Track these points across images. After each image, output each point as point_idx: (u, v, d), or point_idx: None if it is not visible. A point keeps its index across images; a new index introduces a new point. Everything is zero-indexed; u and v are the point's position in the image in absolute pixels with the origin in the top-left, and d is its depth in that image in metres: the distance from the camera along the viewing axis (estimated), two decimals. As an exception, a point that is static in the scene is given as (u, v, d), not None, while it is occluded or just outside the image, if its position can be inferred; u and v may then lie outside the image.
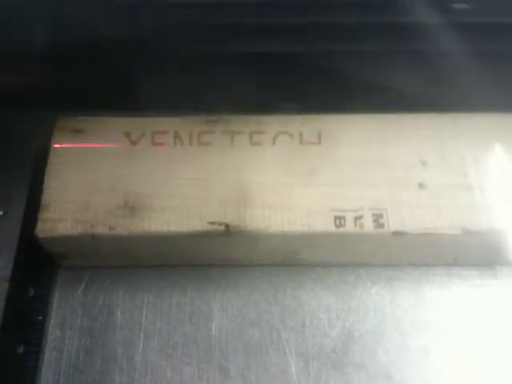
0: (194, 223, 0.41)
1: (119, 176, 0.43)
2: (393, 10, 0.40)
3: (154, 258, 0.45)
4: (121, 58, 0.46)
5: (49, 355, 0.43)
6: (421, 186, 0.42)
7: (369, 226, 0.41)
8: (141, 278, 0.45)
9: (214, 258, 0.45)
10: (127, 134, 0.45)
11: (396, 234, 0.41)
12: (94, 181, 0.43)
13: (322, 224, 0.41)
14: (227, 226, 0.41)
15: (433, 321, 0.44)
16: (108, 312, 0.44)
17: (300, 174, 0.43)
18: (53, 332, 0.44)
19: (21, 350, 0.42)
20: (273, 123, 0.45)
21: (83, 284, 0.45)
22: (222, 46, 0.45)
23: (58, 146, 0.44)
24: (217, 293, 0.45)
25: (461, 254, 0.44)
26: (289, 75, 0.47)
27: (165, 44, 0.45)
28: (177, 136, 0.45)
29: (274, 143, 0.44)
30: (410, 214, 0.41)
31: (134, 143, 0.44)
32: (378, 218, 0.41)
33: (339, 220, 0.41)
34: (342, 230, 0.41)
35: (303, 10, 0.41)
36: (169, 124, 0.45)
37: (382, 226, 0.41)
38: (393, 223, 0.41)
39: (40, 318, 0.44)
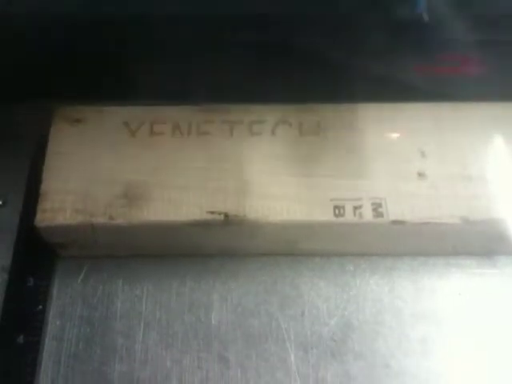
0: (194, 213, 0.41)
1: (118, 166, 0.43)
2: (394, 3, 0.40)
3: (153, 248, 0.45)
4: (120, 46, 0.45)
5: (49, 345, 0.43)
6: (420, 175, 0.42)
7: (368, 215, 0.41)
8: (140, 268, 0.45)
9: (213, 247, 0.45)
10: (126, 124, 0.45)
11: (395, 223, 0.41)
12: (93, 170, 0.43)
13: (321, 213, 0.41)
14: (226, 215, 0.41)
15: (431, 310, 0.44)
16: (108, 302, 0.44)
17: (299, 164, 0.43)
18: (52, 322, 0.44)
19: (21, 339, 0.43)
20: (272, 113, 0.45)
21: (83, 274, 0.45)
22: (221, 35, 0.44)
23: (57, 135, 0.44)
24: (216, 283, 0.45)
25: (460, 243, 0.44)
26: (289, 66, 0.46)
27: (164, 32, 0.44)
28: (176, 126, 0.45)
29: (273, 133, 0.44)
30: (409, 204, 0.41)
31: (133, 133, 0.44)
32: (377, 208, 0.41)
33: (338, 209, 0.41)
34: (341, 219, 0.41)
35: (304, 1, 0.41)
36: (168, 114, 0.45)
37: (381, 215, 0.41)
38: (392, 213, 0.41)
39: (40, 307, 0.44)
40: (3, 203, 0.43)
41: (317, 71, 0.47)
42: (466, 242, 0.44)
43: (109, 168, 0.43)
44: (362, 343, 0.43)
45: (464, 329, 0.43)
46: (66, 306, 0.44)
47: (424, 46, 0.44)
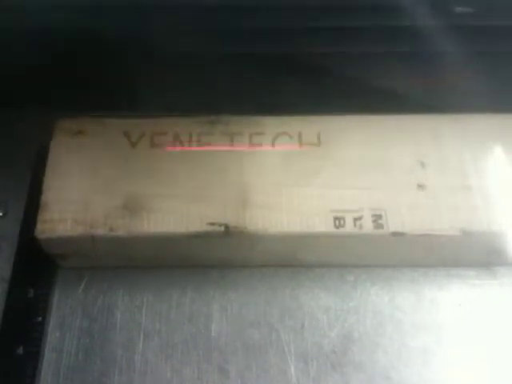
0: (194, 224, 0.41)
1: (119, 177, 0.43)
2: (394, 12, 0.40)
3: (153, 259, 0.45)
4: (121, 57, 0.46)
5: (48, 356, 0.43)
6: (420, 187, 0.42)
7: (368, 226, 0.41)
8: (140, 279, 0.45)
9: (213, 258, 0.45)
10: (127, 135, 0.45)
11: (395, 234, 0.41)
12: (93, 182, 0.43)
13: (322, 225, 0.41)
14: (227, 226, 0.41)
15: (432, 321, 0.44)
16: (107, 312, 0.44)
17: (299, 175, 0.43)
18: (52, 332, 0.44)
19: (20, 350, 0.42)
20: (272, 124, 0.45)
21: (83, 284, 0.45)
22: (221, 46, 0.45)
23: (57, 146, 0.44)
24: (216, 293, 0.45)
25: (460, 254, 0.44)
26: (289, 76, 0.47)
27: (164, 44, 0.45)
28: (176, 137, 0.45)
29: (273, 144, 0.44)
30: (409, 215, 0.41)
31: (133, 144, 0.44)
32: (377, 219, 0.41)
33: (339, 221, 0.41)
34: (341, 230, 0.41)
35: (303, 12, 0.41)
36: (168, 125, 0.45)
37: (381, 226, 0.41)
38: (392, 224, 0.41)
39: (40, 318, 0.44)
40: (4, 214, 0.43)
41: (316, 82, 0.47)
42: (466, 253, 0.44)
43: (109, 179, 0.43)
44: (363, 355, 0.43)
45: (464, 339, 0.43)
46: (65, 316, 0.44)
47: (422, 58, 0.45)
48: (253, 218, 0.41)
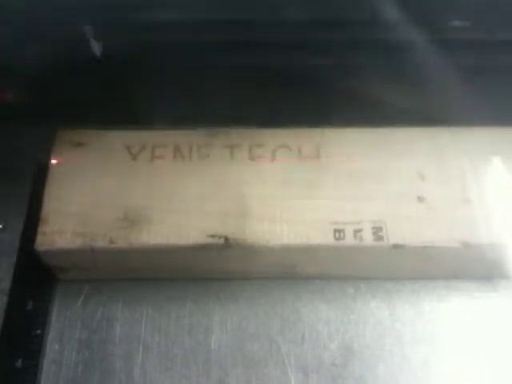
0: (194, 236, 0.41)
1: (119, 189, 0.43)
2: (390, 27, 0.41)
3: (153, 272, 0.45)
4: (121, 71, 0.46)
5: (47, 368, 0.43)
6: (420, 199, 0.43)
7: (368, 238, 0.41)
8: (140, 292, 0.45)
9: (213, 271, 0.45)
10: (127, 148, 0.45)
11: (395, 247, 0.41)
12: (93, 194, 0.43)
13: (322, 237, 0.41)
14: (227, 238, 0.41)
15: (432, 333, 0.44)
16: (107, 325, 0.44)
17: (299, 187, 0.43)
18: (51, 345, 0.43)
19: (19, 363, 0.42)
20: (272, 137, 0.45)
21: (82, 297, 0.45)
22: (221, 59, 0.45)
23: (58, 159, 0.44)
24: (216, 306, 0.45)
25: (459, 267, 0.44)
26: (289, 89, 0.47)
27: (164, 57, 0.45)
28: (177, 149, 0.45)
29: (273, 157, 0.45)
30: (409, 227, 0.41)
31: (134, 156, 0.45)
32: (377, 231, 0.41)
33: (339, 233, 0.41)
34: (341, 242, 0.41)
35: (303, 26, 0.42)
36: (169, 137, 0.45)
37: (381, 238, 0.41)
38: (392, 236, 0.41)
39: (39, 331, 0.44)
40: (3, 227, 0.43)
41: (315, 95, 0.47)
42: (466, 266, 0.44)
43: (110, 191, 0.43)
44: (363, 367, 0.42)
45: (465, 352, 0.43)
46: (65, 329, 0.44)
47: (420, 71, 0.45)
48: (253, 230, 0.41)
